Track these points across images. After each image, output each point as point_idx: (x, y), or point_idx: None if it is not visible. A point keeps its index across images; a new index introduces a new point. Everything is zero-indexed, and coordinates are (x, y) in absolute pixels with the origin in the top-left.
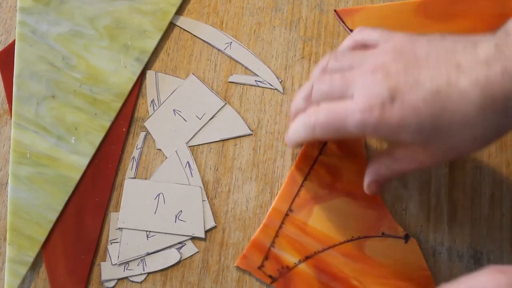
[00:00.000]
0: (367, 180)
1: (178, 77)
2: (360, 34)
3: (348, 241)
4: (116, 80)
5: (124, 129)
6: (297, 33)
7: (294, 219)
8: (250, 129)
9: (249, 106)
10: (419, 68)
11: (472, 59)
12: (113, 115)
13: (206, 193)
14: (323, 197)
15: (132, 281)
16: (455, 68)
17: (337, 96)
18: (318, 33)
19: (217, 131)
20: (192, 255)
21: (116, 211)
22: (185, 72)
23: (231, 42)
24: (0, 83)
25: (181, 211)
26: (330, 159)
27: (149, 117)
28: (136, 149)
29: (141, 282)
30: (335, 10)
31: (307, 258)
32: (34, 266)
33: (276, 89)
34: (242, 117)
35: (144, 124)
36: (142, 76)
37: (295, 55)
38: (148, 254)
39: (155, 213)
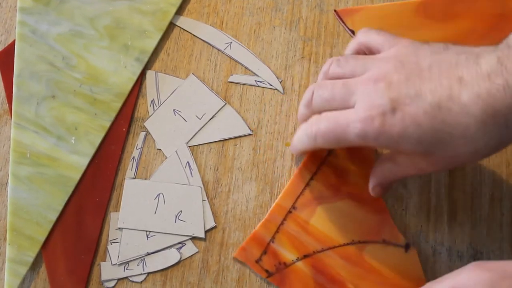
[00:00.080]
0: (371, 184)
1: (178, 77)
2: (365, 37)
3: (348, 244)
4: (116, 80)
5: (124, 129)
6: (297, 33)
7: (297, 217)
8: (250, 129)
9: (249, 106)
10: (421, 79)
11: (474, 73)
12: (113, 115)
13: (206, 193)
14: (327, 198)
15: (132, 281)
16: (457, 81)
17: (338, 103)
18: (318, 33)
19: (217, 131)
20: (192, 255)
21: (116, 211)
22: (185, 72)
23: (231, 42)
24: (0, 83)
25: (181, 211)
26: (339, 161)
27: (149, 117)
28: (136, 149)
29: (141, 282)
30: (335, 10)
31: (305, 256)
32: (34, 266)
33: (276, 89)
34: (242, 117)
35: (144, 124)
36: (142, 76)
37: (295, 55)
38: (148, 254)
39: (155, 213)
